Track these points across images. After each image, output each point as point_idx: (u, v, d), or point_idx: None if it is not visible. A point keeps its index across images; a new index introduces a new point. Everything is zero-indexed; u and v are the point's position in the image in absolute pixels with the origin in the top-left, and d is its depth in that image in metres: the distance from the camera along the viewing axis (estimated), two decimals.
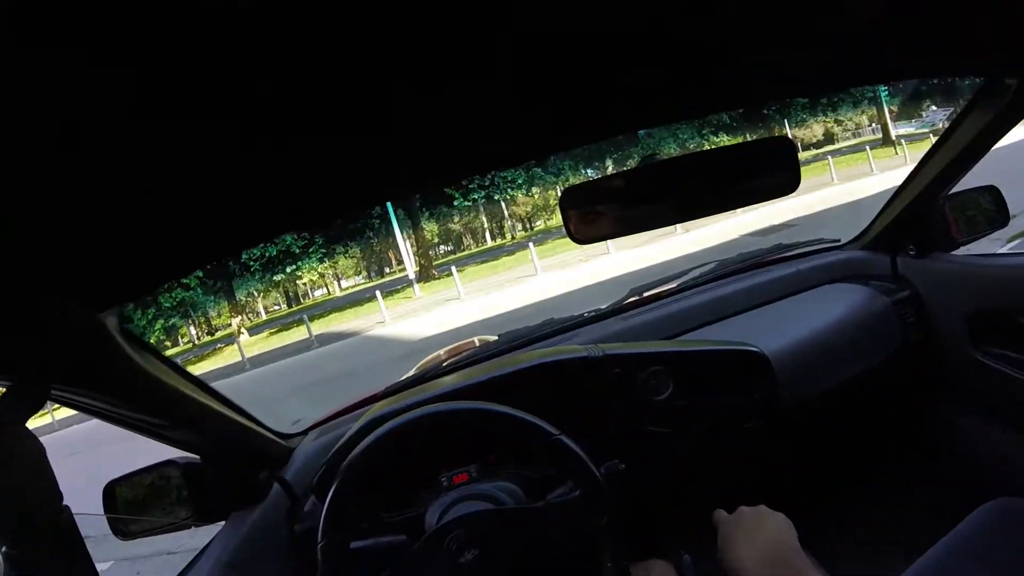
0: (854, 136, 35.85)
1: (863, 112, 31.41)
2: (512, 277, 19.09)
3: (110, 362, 0.93)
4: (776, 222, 12.87)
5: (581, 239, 1.07)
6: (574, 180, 27.02)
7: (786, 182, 1.06)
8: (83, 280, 0.79)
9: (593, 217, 1.07)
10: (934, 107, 28.96)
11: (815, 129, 32.53)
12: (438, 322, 14.11)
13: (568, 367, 1.58)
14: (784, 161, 1.07)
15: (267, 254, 23.61)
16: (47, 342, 0.78)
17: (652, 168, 1.05)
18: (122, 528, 1.44)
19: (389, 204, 23.48)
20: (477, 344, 2.83)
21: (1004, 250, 5.71)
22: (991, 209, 1.79)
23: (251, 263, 23.67)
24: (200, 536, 1.49)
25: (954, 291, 1.80)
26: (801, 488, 1.99)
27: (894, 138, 27.79)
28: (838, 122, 32.77)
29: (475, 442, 1.42)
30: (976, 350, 1.75)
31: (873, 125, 33.38)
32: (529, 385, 1.54)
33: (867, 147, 24.31)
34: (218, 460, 1.40)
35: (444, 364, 2.01)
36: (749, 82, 1.02)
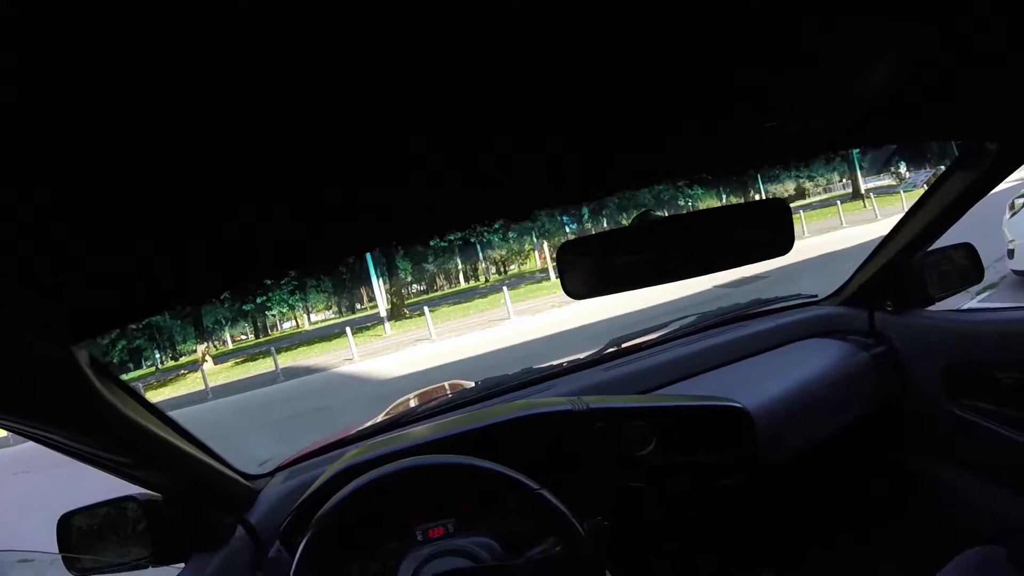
0: (825, 191, 36.66)
1: (834, 169, 32.23)
2: (484, 320, 19.04)
3: (77, 397, 0.88)
4: (747, 274, 13.03)
5: (577, 294, 1.07)
6: (550, 226, 27.24)
7: (780, 243, 1.08)
8: (55, 310, 0.75)
9: (590, 273, 1.08)
10: (902, 163, 29.89)
11: (787, 185, 33.25)
12: (408, 362, 14.00)
13: (551, 420, 1.56)
14: (778, 223, 1.09)
15: None
16: (10, 373, 0.73)
17: (650, 226, 1.07)
18: (76, 564, 1.36)
19: None
20: (448, 389, 2.81)
21: (974, 303, 6.00)
22: (966, 265, 1.86)
23: None
24: (154, 572, 1.43)
25: (930, 346, 1.84)
26: (780, 543, 2.02)
27: (863, 192, 28.52)
28: (810, 178, 33.51)
29: (451, 494, 1.38)
30: (952, 403, 1.78)
31: (843, 181, 34.18)
32: (510, 437, 1.51)
33: (837, 201, 24.93)
34: (181, 500, 1.35)
35: (419, 410, 1.98)
36: (753, 144, 1.06)
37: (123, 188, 0.59)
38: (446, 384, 3.04)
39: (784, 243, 1.08)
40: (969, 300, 6.15)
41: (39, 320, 0.74)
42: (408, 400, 2.86)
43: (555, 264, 1.10)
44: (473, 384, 2.24)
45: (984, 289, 6.60)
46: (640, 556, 1.80)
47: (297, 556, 1.14)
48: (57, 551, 1.36)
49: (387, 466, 1.23)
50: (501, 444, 1.44)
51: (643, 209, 1.17)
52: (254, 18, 0.42)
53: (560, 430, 1.55)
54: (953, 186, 1.52)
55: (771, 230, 1.09)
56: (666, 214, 1.09)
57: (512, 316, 17.87)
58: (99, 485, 1.33)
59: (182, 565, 1.41)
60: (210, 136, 0.55)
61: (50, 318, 0.75)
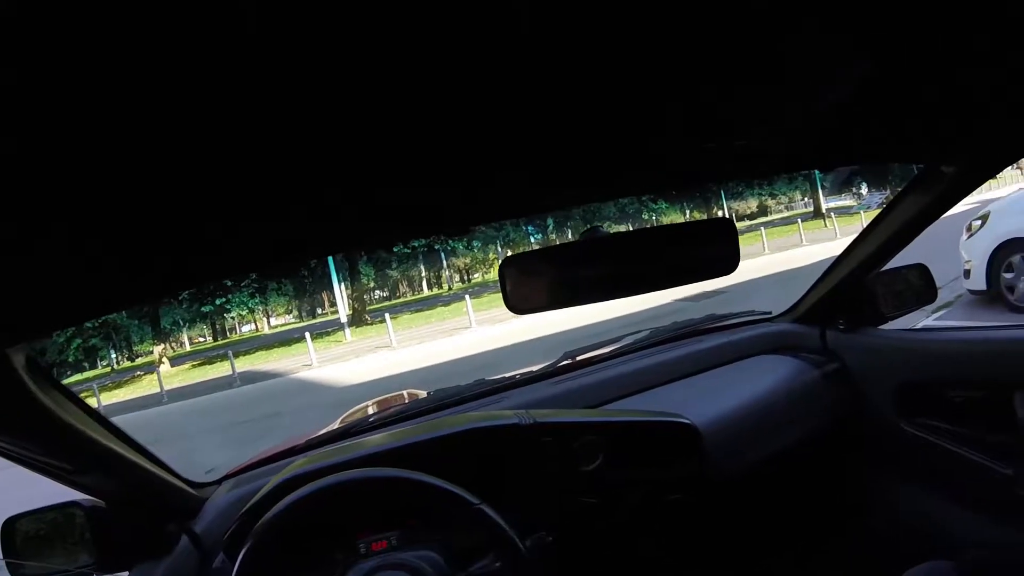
0: (787, 209, 37.28)
1: (796, 188, 32.79)
2: (446, 328, 18.97)
3: (11, 400, 0.88)
4: (708, 288, 13.14)
5: (519, 309, 1.07)
6: (514, 235, 27.25)
7: (726, 262, 1.09)
8: None
9: (533, 288, 1.08)
10: (864, 184, 30.54)
11: (750, 202, 33.76)
12: (367, 370, 13.89)
13: (498, 434, 1.54)
14: (724, 241, 1.10)
15: None
16: None
17: (595, 242, 1.07)
18: (20, 571, 1.33)
19: None
20: (406, 398, 2.80)
21: (929, 320, 6.20)
22: (920, 285, 1.89)
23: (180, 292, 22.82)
24: None
25: (882, 364, 1.86)
26: (729, 559, 2.01)
27: (824, 211, 29.05)
28: (772, 196, 34.04)
29: (394, 507, 1.37)
30: (903, 420, 1.81)
31: (805, 200, 34.77)
32: (457, 450, 1.49)
33: (799, 220, 25.35)
34: (124, 508, 1.33)
35: (371, 419, 1.96)
36: (718, 162, 1.08)
37: (69, 186, 0.57)
38: (404, 393, 3.02)
39: (729, 263, 1.09)
40: (924, 318, 6.34)
41: None
42: (365, 408, 2.81)
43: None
44: (422, 395, 2.23)
45: (939, 308, 6.82)
46: (587, 572, 1.78)
47: (236, 567, 1.13)
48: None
49: (326, 478, 1.22)
50: (448, 456, 1.43)
51: (601, 222, 1.18)
52: (220, 37, 0.43)
53: (507, 444, 1.54)
54: (908, 208, 1.55)
55: (718, 249, 1.10)
56: (631, 227, 1.10)
57: (474, 325, 17.85)
58: (51, 488, 1.32)
59: (126, 574, 1.40)
60: (170, 134, 0.55)
61: None
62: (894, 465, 1.91)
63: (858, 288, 1.87)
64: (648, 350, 2.14)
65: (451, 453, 1.47)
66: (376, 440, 1.62)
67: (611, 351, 2.16)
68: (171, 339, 29.32)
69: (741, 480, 1.78)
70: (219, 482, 1.73)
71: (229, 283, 23.26)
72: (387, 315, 19.58)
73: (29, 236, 0.62)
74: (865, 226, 1.76)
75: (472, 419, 1.60)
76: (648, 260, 1.08)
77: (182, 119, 0.52)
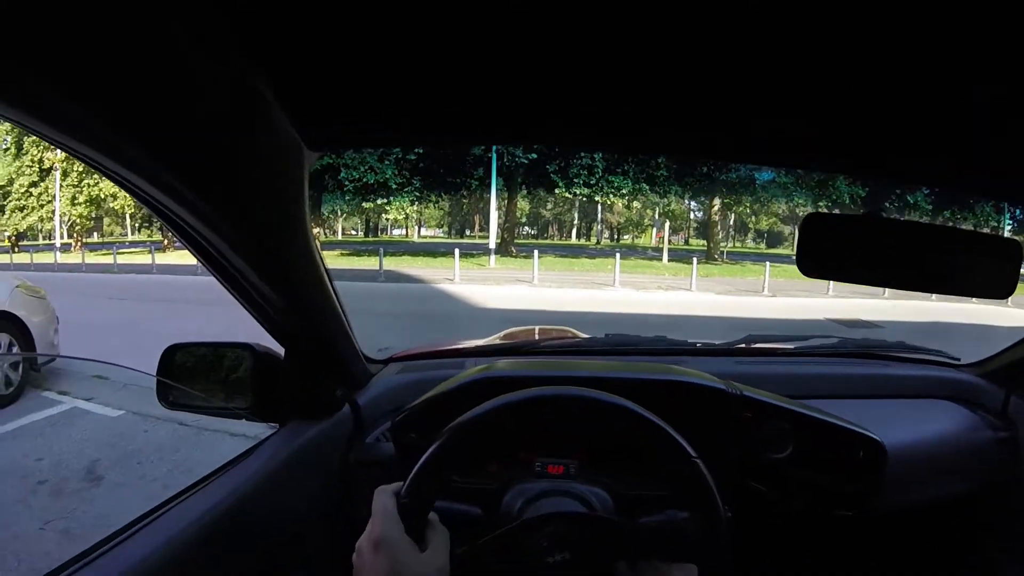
0: None
1: None
2: (588, 280, 18.99)
3: (290, 192, 0.92)
4: (864, 317, 12.49)
5: (811, 271, 1.07)
6: (676, 207, 26.59)
7: (1000, 287, 1.07)
8: (311, 110, 0.82)
9: (831, 253, 1.08)
10: None
11: None
12: (504, 298, 14.07)
13: (702, 394, 1.44)
14: (1006, 264, 1.06)
15: (365, 180, 23.95)
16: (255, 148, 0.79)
17: (884, 223, 1.07)
18: (169, 396, 1.35)
19: (493, 168, 23.58)
20: (571, 334, 2.68)
21: None
22: None
23: (347, 183, 24.07)
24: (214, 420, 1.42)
25: None
26: None
27: None
28: None
29: (587, 436, 1.26)
30: None
31: None
32: (654, 399, 1.31)
33: None
34: (302, 360, 1.31)
35: (542, 344, 1.99)
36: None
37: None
38: (569, 329, 2.90)
39: (1005, 287, 1.07)
40: None
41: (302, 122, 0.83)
42: (528, 331, 2.74)
43: (797, 235, 1.10)
44: (584, 336, 2.25)
45: None
46: (745, 559, 1.66)
47: (426, 456, 1.01)
48: (137, 375, 1.41)
49: (553, 388, 1.11)
50: (645, 403, 1.25)
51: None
52: None
53: (707, 408, 1.44)
54: None
55: (996, 269, 1.07)
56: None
57: (617, 285, 17.73)
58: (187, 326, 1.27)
59: (276, 426, 1.38)
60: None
61: (305, 122, 0.84)
62: None
63: None
64: (831, 358, 2.11)
65: (647, 400, 1.28)
66: (580, 364, 1.63)
67: (795, 347, 2.12)
68: (326, 225, 31.06)
69: (889, 517, 1.73)
70: (385, 362, 1.75)
71: (394, 186, 24.26)
72: (535, 252, 19.72)
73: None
74: None
75: (679, 372, 1.50)
76: (930, 258, 1.07)
77: None
